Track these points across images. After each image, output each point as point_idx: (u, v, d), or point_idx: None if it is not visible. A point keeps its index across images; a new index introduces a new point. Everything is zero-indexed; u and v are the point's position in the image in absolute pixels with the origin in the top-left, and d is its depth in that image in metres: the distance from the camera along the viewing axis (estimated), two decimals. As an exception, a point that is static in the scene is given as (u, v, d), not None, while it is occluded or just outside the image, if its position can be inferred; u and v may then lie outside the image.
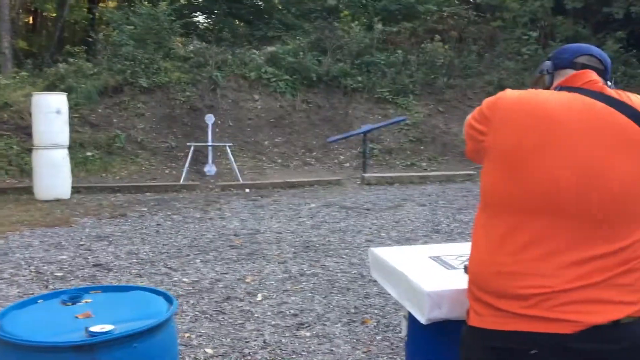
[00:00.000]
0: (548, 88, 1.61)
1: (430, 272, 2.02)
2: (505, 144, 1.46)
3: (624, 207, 1.40)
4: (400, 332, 3.37)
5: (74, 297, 1.87)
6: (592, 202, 1.39)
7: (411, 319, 2.03)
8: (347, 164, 11.89)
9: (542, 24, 14.11)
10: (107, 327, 1.60)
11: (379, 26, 14.54)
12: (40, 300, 1.86)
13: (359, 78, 13.33)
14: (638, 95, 1.50)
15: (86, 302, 1.86)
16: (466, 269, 1.97)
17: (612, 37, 12.68)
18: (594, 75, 1.52)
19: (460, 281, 1.90)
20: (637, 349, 1.37)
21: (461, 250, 2.32)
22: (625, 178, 1.39)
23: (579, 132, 1.41)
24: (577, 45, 1.65)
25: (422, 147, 12.38)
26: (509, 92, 1.53)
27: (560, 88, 1.54)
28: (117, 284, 4.60)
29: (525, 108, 1.46)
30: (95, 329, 1.59)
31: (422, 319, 1.83)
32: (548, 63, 1.65)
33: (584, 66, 1.56)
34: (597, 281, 1.36)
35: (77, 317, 1.71)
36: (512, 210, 1.44)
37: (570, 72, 1.57)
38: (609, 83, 1.57)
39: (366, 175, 10.29)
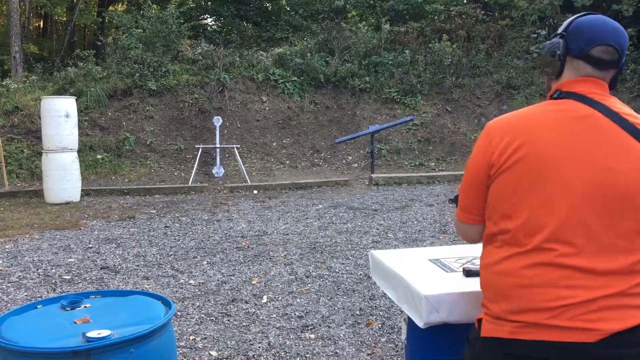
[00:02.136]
0: (559, 74, 1.56)
1: (429, 275, 2.02)
2: (522, 162, 1.45)
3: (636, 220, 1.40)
4: (404, 334, 3.36)
5: (74, 302, 1.88)
6: (612, 213, 1.39)
7: (410, 323, 2.02)
8: (355, 165, 11.88)
9: (551, 22, 13.99)
10: (104, 332, 1.61)
11: (387, 26, 14.52)
12: (39, 306, 1.87)
13: (367, 78, 13.32)
14: (627, 107, 1.51)
15: (85, 307, 1.87)
16: (465, 272, 1.97)
17: (621, 35, 12.54)
18: (594, 89, 1.50)
19: (459, 284, 1.89)
20: None
21: (461, 252, 2.31)
22: (633, 190, 1.40)
23: (587, 145, 1.42)
24: (592, 24, 1.51)
25: (430, 147, 12.35)
26: (493, 121, 1.55)
27: (560, 92, 1.53)
28: (124, 286, 4.63)
29: (522, 127, 1.48)
30: (92, 334, 1.60)
31: (420, 323, 1.82)
32: (560, 43, 1.54)
33: (599, 61, 1.49)
34: (618, 291, 1.37)
35: (75, 323, 1.73)
36: (529, 225, 1.44)
37: (581, 67, 1.52)
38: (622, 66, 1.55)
39: (374, 175, 10.28)
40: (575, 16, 1.58)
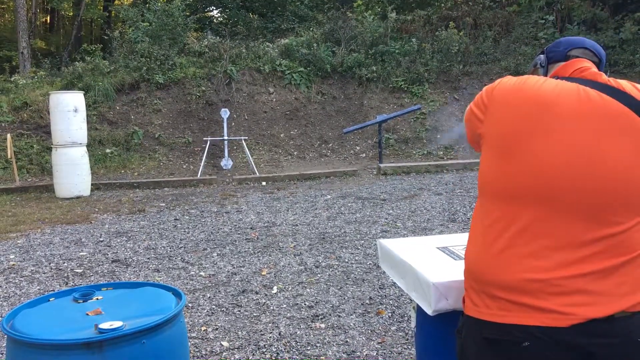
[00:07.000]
0: None
1: (437, 263, 2.02)
2: (500, 131, 1.46)
3: (619, 194, 1.37)
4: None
5: (86, 294, 1.90)
6: (586, 189, 1.36)
7: (419, 310, 2.03)
8: (363, 155, 11.87)
9: (559, 7, 13.86)
10: (117, 324, 1.63)
11: (393, 15, 14.42)
12: (52, 298, 1.90)
13: (374, 68, 13.26)
14: (629, 82, 1.47)
15: (97, 299, 1.89)
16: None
17: (630, 19, 12.41)
18: (585, 63, 1.52)
19: (467, 272, 1.90)
20: (630, 344, 1.35)
21: (470, 240, 2.31)
22: (620, 165, 1.36)
23: (573, 118, 1.39)
24: (570, 38, 1.64)
25: (438, 136, 12.30)
26: (505, 79, 1.53)
27: (557, 77, 1.53)
28: (135, 279, 4.67)
29: (520, 95, 1.45)
30: (105, 325, 1.62)
31: (429, 310, 1.83)
32: (542, 57, 1.67)
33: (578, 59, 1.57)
34: (593, 270, 1.34)
35: (87, 314, 1.75)
36: (506, 198, 1.43)
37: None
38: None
39: (382, 165, 10.26)
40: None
